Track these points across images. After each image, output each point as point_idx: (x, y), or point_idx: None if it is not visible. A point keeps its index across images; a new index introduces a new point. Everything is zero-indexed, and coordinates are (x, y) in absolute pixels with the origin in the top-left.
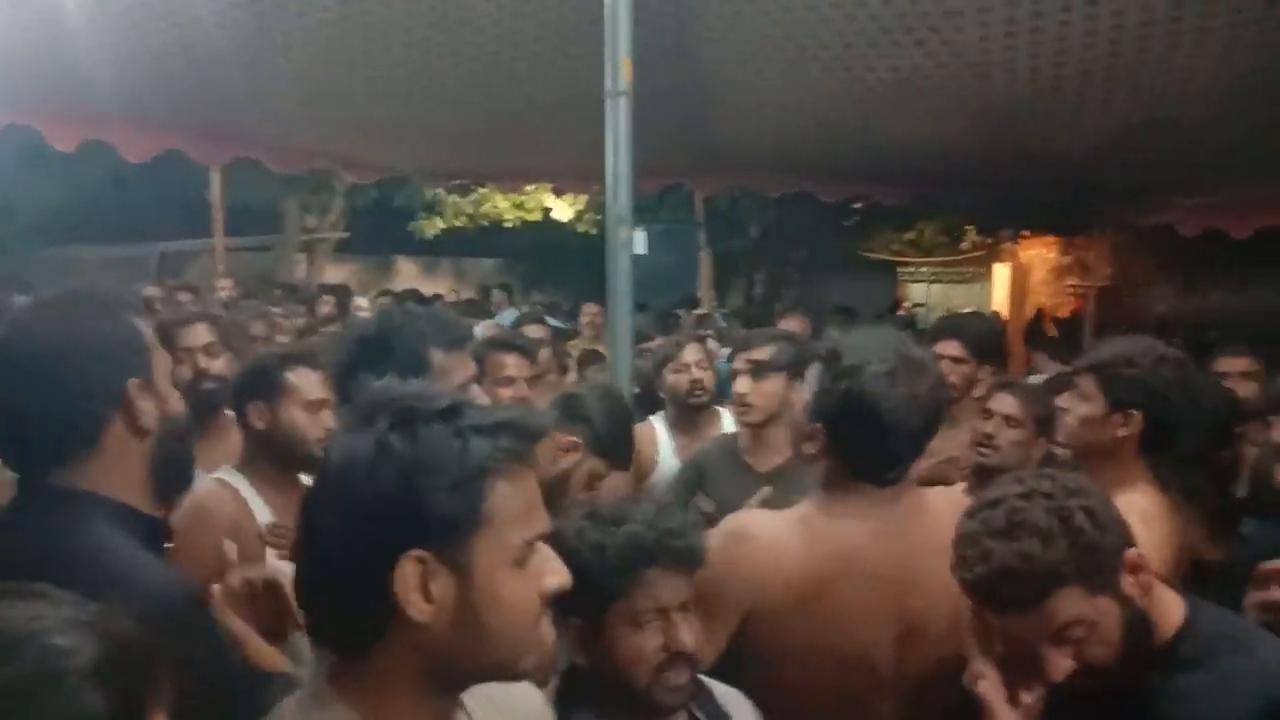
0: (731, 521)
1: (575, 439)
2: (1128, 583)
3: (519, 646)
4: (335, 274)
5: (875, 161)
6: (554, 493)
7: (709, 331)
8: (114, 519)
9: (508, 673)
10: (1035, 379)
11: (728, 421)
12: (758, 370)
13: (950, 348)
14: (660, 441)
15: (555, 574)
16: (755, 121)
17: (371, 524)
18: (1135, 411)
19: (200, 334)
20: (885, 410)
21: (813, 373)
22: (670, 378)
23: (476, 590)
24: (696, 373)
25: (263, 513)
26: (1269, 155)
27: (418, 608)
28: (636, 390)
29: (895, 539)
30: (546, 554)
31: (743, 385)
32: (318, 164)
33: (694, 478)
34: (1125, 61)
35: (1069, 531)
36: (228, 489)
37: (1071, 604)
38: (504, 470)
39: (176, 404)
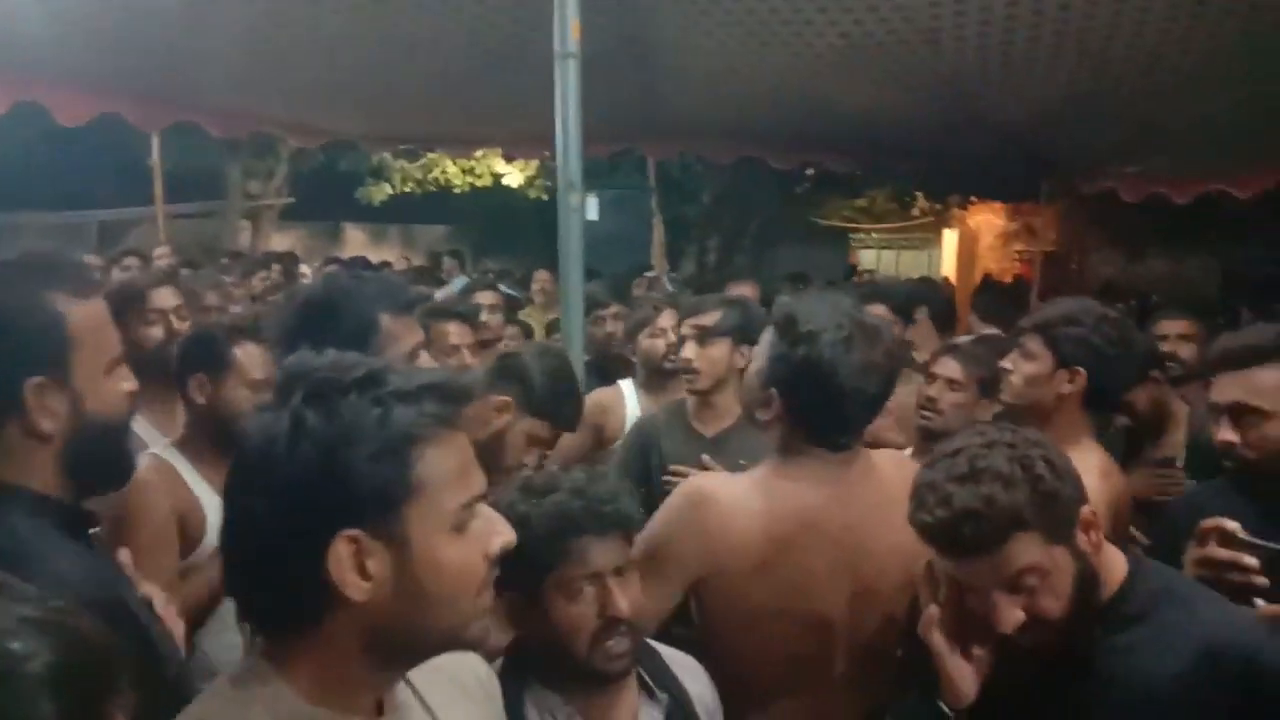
0: (689, 485)
1: (507, 399)
2: (1081, 539)
3: (464, 613)
4: (281, 241)
5: (826, 128)
6: (490, 456)
7: (657, 296)
8: (22, 507)
9: (455, 642)
10: (964, 339)
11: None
12: (703, 336)
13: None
14: (629, 406)
15: (499, 533)
16: (706, 87)
17: (297, 506)
18: (1080, 369)
19: (170, 296)
20: (842, 376)
21: (766, 338)
22: (645, 342)
23: (415, 561)
24: (673, 337)
25: (204, 492)
26: (1209, 124)
27: (355, 587)
28: (588, 358)
29: (849, 502)
30: (487, 514)
31: (689, 351)
32: (261, 128)
33: (642, 442)
34: (1071, 29)
35: (1030, 478)
36: (166, 466)
37: (1029, 550)
38: (430, 436)
39: (110, 396)
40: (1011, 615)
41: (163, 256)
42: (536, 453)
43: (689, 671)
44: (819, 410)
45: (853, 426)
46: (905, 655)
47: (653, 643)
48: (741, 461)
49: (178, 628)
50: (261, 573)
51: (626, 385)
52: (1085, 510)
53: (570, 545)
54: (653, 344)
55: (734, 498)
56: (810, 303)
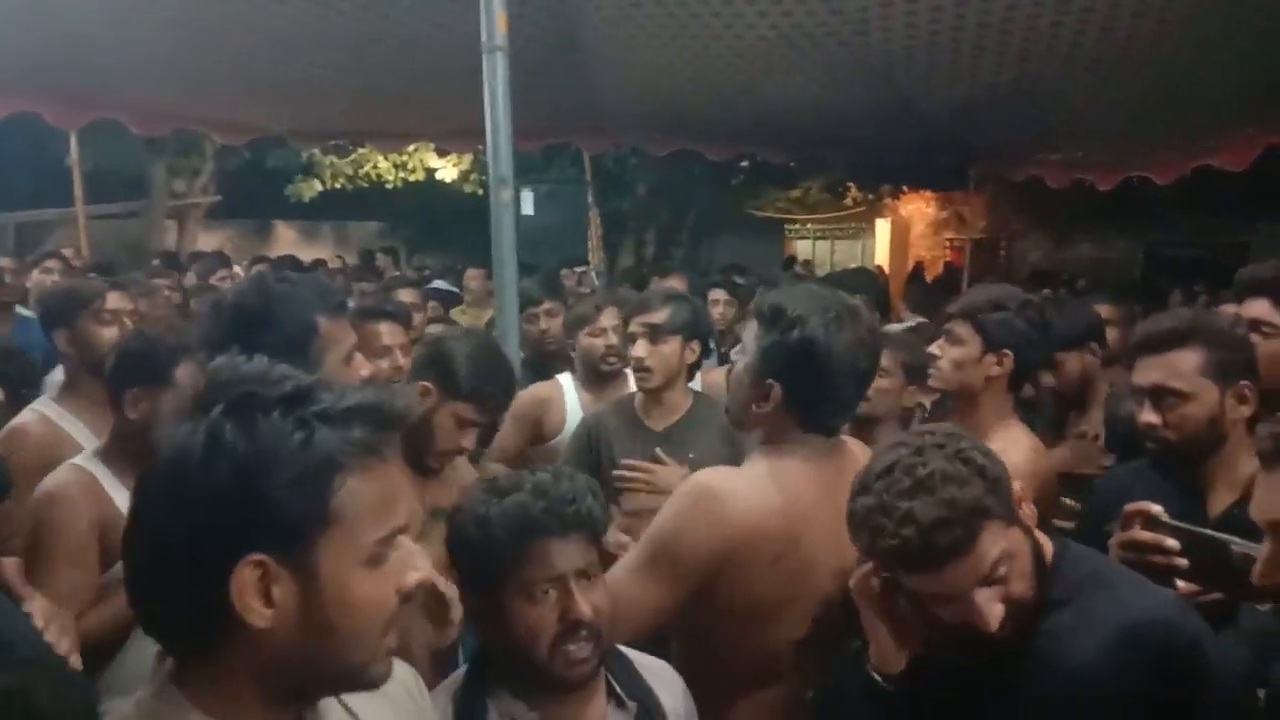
0: (697, 482)
1: (426, 384)
2: (1023, 514)
3: (368, 651)
4: (208, 241)
5: (759, 120)
6: (420, 442)
7: (586, 290)
8: None
9: (356, 681)
10: (893, 328)
11: (633, 384)
12: (654, 333)
13: None
14: (568, 401)
15: (415, 569)
16: (638, 79)
17: (205, 524)
18: (1007, 351)
19: (123, 299)
20: (837, 355)
21: (751, 334)
22: (585, 341)
23: (323, 594)
24: (613, 338)
25: (126, 505)
26: (1126, 112)
27: (257, 614)
28: (524, 355)
29: (840, 488)
30: (406, 548)
31: (640, 349)
32: (184, 125)
33: (590, 438)
34: (994, 20)
35: (975, 469)
36: (87, 478)
37: (996, 538)
38: (354, 464)
39: None
40: (995, 610)
41: (76, 260)
42: (473, 435)
43: (661, 679)
44: (818, 392)
45: (848, 407)
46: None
47: (624, 649)
48: (691, 455)
49: (63, 642)
50: (163, 589)
51: (565, 379)
52: (1016, 486)
53: (531, 547)
54: (592, 343)
55: (746, 491)
56: (790, 292)
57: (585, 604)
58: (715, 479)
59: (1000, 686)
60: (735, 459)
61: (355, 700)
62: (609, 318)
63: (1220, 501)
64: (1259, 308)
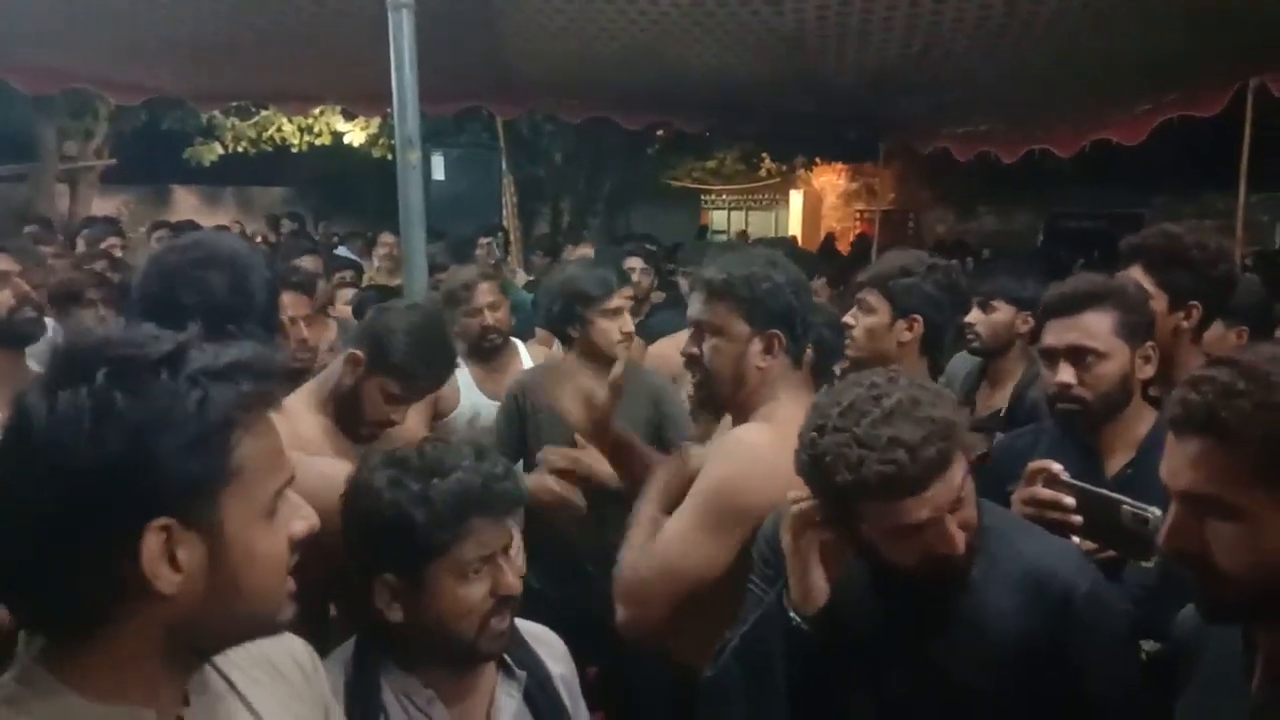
0: (738, 438)
1: (357, 353)
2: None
3: (273, 601)
4: (103, 206)
5: (673, 88)
6: (348, 410)
7: (492, 261)
8: None
9: (263, 629)
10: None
11: (525, 355)
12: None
13: None
14: (459, 377)
15: (303, 519)
16: (550, 44)
17: (98, 496)
18: (917, 316)
19: (7, 261)
20: (808, 289)
21: (727, 303)
22: (462, 321)
23: (229, 551)
24: (489, 318)
25: None
26: (1031, 86)
27: (166, 580)
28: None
29: None
30: (293, 499)
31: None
32: (75, 84)
33: (518, 405)
34: None
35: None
36: None
37: (961, 460)
38: (248, 418)
39: None
40: (959, 533)
41: None
42: (402, 411)
43: (547, 646)
44: (805, 327)
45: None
46: None
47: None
48: (620, 425)
49: None
50: (42, 569)
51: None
52: None
53: (470, 525)
54: (468, 324)
55: (783, 439)
56: (734, 258)
57: (514, 577)
58: (755, 433)
59: (912, 631)
60: (658, 428)
61: (245, 683)
62: (483, 296)
63: (1116, 463)
64: (1133, 273)
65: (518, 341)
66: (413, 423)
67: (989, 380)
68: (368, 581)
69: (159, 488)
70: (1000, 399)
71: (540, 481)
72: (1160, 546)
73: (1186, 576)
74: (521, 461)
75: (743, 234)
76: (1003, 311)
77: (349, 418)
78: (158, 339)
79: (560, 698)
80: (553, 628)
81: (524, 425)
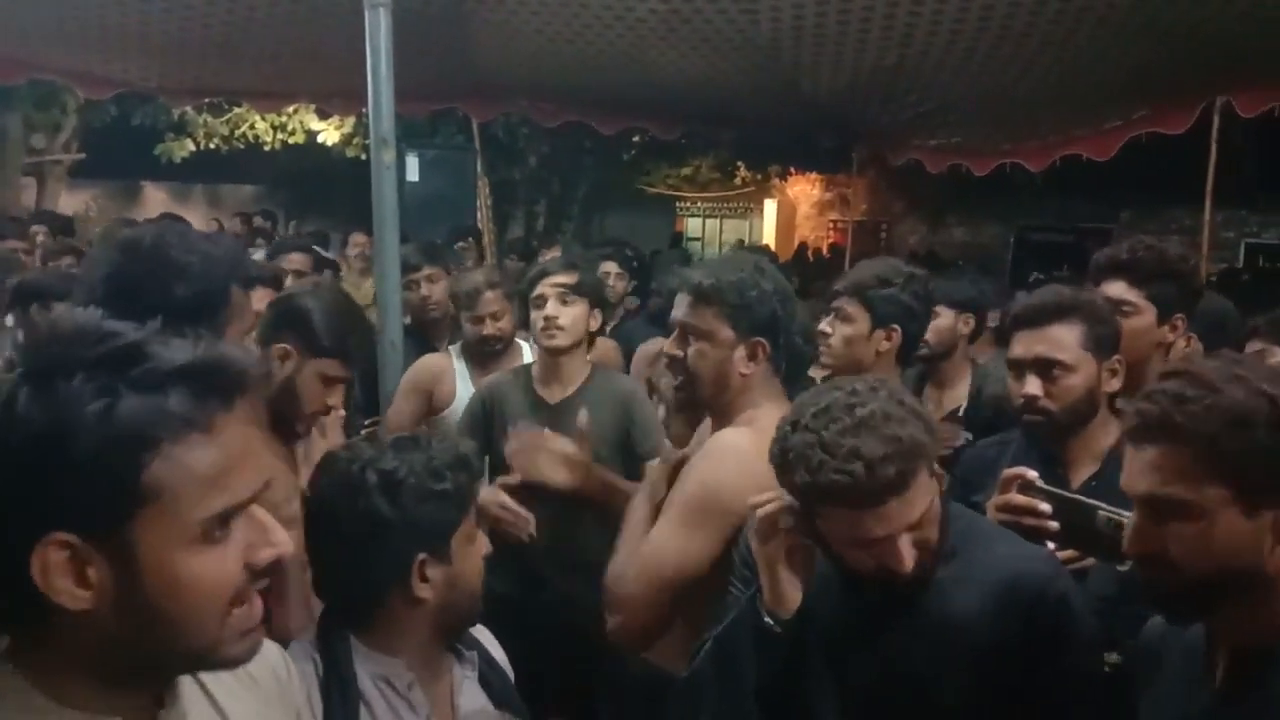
0: (722, 440)
1: (285, 345)
2: (938, 470)
3: (210, 634)
4: (71, 201)
5: (648, 95)
6: (286, 406)
7: (468, 264)
8: None
9: (203, 663)
10: None
11: (528, 355)
12: (566, 293)
13: None
14: (458, 372)
15: (269, 545)
16: (527, 46)
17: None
18: (895, 326)
19: None
20: (794, 299)
21: (728, 300)
22: (468, 326)
23: (143, 577)
24: (490, 327)
25: None
26: (1003, 100)
27: (69, 595)
28: (407, 321)
29: None
30: (260, 522)
31: (553, 309)
32: (41, 75)
33: (485, 408)
34: (880, 4)
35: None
36: None
37: (926, 482)
38: (172, 435)
39: None
40: (911, 553)
41: None
42: (339, 392)
43: (480, 633)
44: (789, 336)
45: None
46: None
47: None
48: (581, 430)
49: None
50: None
51: (455, 350)
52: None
53: (471, 491)
54: (473, 330)
55: (763, 445)
56: (723, 263)
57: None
58: (737, 437)
59: (886, 633)
60: (626, 433)
61: (218, 686)
62: (488, 304)
63: (1082, 474)
64: (1116, 288)
65: (522, 342)
66: (405, 415)
67: (934, 384)
68: (393, 577)
69: (58, 502)
70: (950, 400)
71: (491, 496)
72: (1125, 551)
73: (1148, 580)
74: (487, 463)
75: (740, 241)
76: (945, 316)
77: (284, 415)
78: (110, 337)
79: (507, 676)
80: (514, 631)
81: (489, 430)
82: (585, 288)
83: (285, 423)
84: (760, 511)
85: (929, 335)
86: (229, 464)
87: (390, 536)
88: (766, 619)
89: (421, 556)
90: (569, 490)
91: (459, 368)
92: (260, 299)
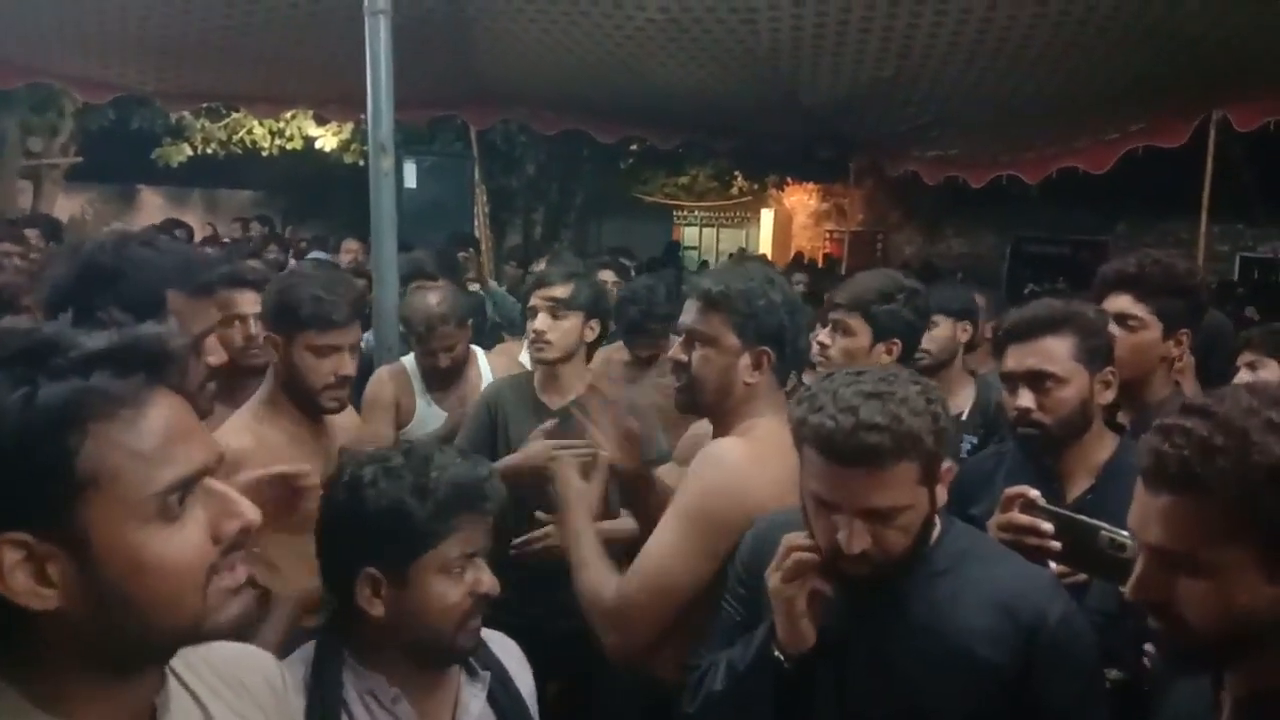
0: (715, 451)
1: (268, 334)
2: (939, 489)
3: (187, 611)
4: (67, 205)
5: (647, 103)
6: (301, 391)
7: (470, 274)
8: None
9: (182, 638)
10: None
11: (483, 365)
12: (557, 307)
13: None
14: (416, 389)
15: (237, 515)
16: (526, 55)
17: None
18: (897, 340)
19: None
20: (803, 312)
21: (736, 308)
22: (418, 353)
23: (104, 562)
24: (444, 360)
25: None
26: (1000, 113)
27: (35, 596)
28: (402, 329)
29: None
30: (220, 494)
31: (542, 323)
32: (39, 78)
33: (489, 415)
34: (879, 15)
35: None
36: None
37: (905, 481)
38: (101, 413)
39: None
40: (862, 539)
41: None
42: (343, 358)
43: (504, 649)
44: (796, 351)
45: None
46: None
47: None
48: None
49: None
50: None
51: (409, 361)
52: (947, 464)
53: (459, 520)
54: (423, 360)
55: (759, 456)
56: (735, 271)
57: (492, 578)
58: (730, 447)
59: (883, 652)
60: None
61: (212, 698)
62: (445, 338)
63: (1077, 488)
64: (1122, 301)
65: (477, 350)
66: (384, 429)
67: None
68: (347, 577)
69: None
70: (950, 408)
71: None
72: (1128, 597)
73: (1158, 635)
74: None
75: (741, 250)
76: (943, 325)
77: (304, 399)
78: (25, 333)
79: (522, 699)
80: (516, 639)
81: (495, 436)
82: (580, 300)
83: (306, 401)
84: (796, 557)
85: (928, 344)
86: (169, 438)
87: (340, 535)
88: (779, 656)
89: (370, 570)
90: (628, 470)
91: (416, 385)
92: (250, 303)
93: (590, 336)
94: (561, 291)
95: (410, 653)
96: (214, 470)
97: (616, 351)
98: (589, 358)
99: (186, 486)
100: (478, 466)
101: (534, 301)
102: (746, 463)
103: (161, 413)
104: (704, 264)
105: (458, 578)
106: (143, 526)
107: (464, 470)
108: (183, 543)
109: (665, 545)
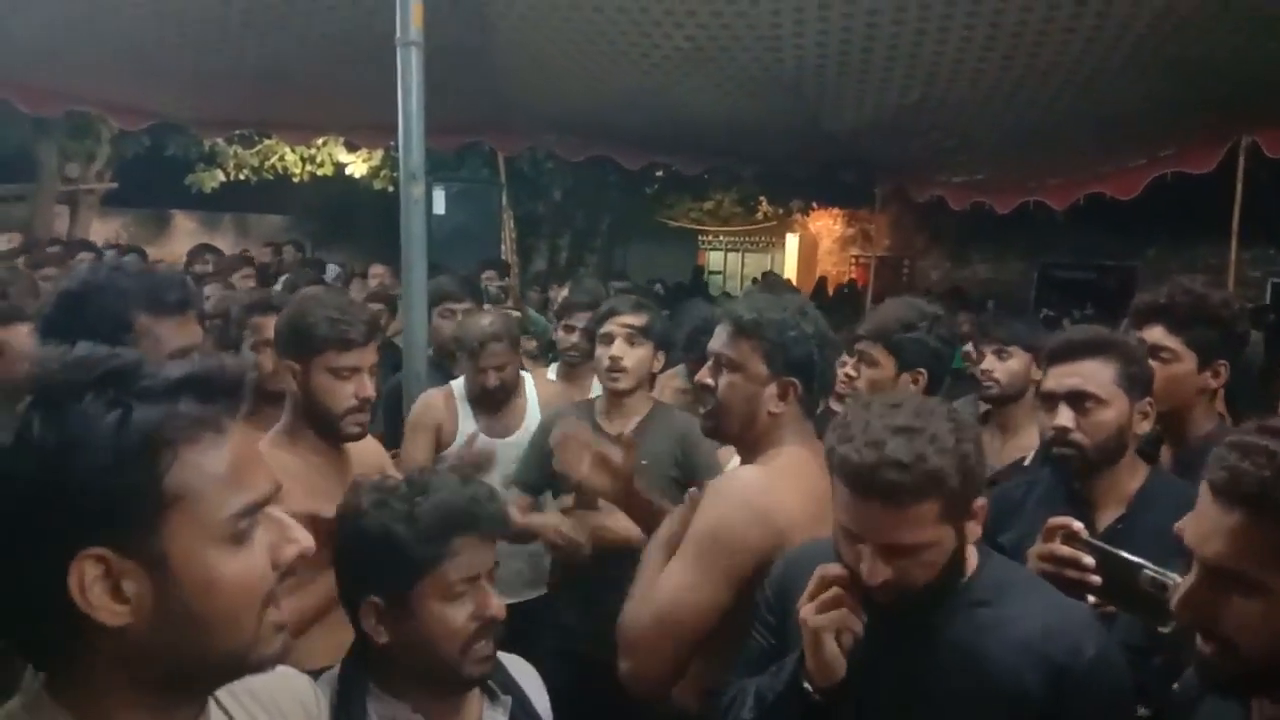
0: (735, 479)
1: (286, 362)
2: (969, 526)
3: (247, 634)
4: (103, 229)
5: (673, 130)
6: (322, 417)
7: (504, 298)
8: None
9: (242, 666)
10: None
11: (530, 389)
12: (634, 335)
13: None
14: (460, 412)
15: (293, 541)
16: (553, 83)
17: (20, 528)
18: (922, 370)
19: None
20: (830, 344)
21: (765, 336)
22: (469, 374)
23: (180, 581)
24: (494, 378)
25: None
26: (1027, 139)
27: (108, 612)
28: (430, 353)
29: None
30: (278, 520)
31: (619, 349)
32: (77, 106)
33: (546, 439)
34: (904, 43)
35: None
36: None
37: (927, 518)
38: (186, 437)
39: None
40: (881, 572)
41: None
42: (361, 379)
43: (523, 674)
44: (826, 380)
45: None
46: None
47: None
48: (643, 462)
49: None
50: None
51: (457, 385)
52: (980, 501)
53: (454, 544)
54: (474, 377)
55: (780, 485)
56: (766, 300)
57: (498, 602)
58: (749, 475)
59: (912, 683)
60: (684, 467)
61: (248, 717)
62: (496, 356)
63: (1107, 516)
64: (1155, 333)
65: (527, 377)
66: (420, 454)
67: (999, 426)
68: (355, 606)
69: (80, 517)
70: (1015, 448)
71: (550, 520)
72: (1173, 610)
73: (1202, 660)
74: (550, 493)
75: (766, 274)
76: (1018, 359)
77: (324, 425)
78: (104, 360)
79: None
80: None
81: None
82: (653, 331)
83: (327, 427)
84: (833, 590)
85: (999, 375)
86: (243, 463)
87: (343, 565)
88: (808, 688)
89: (373, 599)
90: (609, 497)
91: (462, 409)
92: (268, 327)
93: (658, 367)
94: (637, 320)
95: (423, 679)
96: (274, 498)
97: (671, 379)
98: (651, 386)
99: (255, 511)
100: (473, 488)
101: (609, 328)
102: (762, 489)
103: (236, 440)
104: (724, 293)
105: (461, 602)
106: (216, 548)
107: (453, 493)
108: (249, 565)
109: (677, 575)
